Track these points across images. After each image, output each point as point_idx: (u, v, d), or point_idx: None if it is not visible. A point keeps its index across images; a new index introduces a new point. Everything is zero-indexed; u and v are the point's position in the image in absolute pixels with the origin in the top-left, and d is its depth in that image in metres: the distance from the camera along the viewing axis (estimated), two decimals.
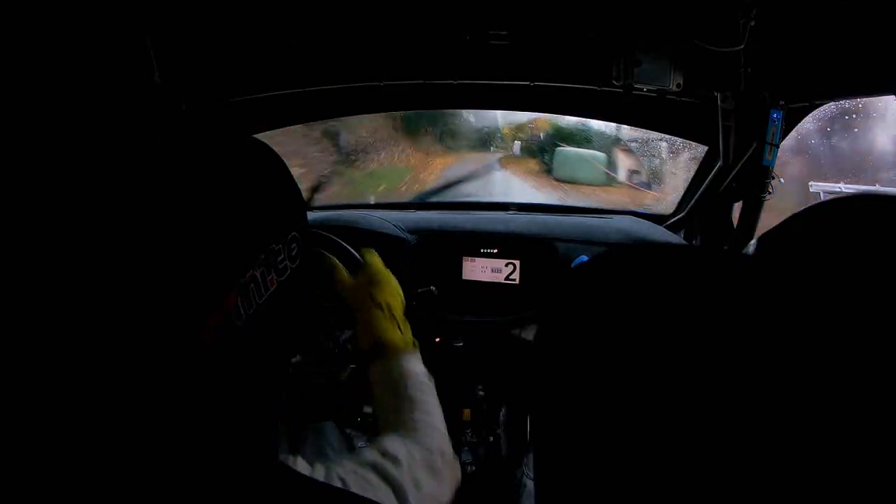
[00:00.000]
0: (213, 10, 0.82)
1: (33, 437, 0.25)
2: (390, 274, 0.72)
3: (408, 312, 0.71)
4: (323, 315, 1.03)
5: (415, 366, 0.64)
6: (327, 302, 1.04)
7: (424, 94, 1.21)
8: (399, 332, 0.66)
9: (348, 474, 0.43)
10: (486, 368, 1.22)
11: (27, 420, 0.24)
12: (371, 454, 0.48)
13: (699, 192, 1.26)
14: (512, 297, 1.16)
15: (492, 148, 3.35)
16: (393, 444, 0.50)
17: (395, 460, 0.47)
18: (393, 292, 0.70)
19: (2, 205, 0.24)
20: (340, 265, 0.72)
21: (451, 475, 0.54)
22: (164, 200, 0.27)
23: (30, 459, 0.25)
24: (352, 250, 0.84)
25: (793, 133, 1.07)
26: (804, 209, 0.28)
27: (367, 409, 1.11)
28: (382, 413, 0.61)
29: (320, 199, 1.58)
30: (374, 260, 0.72)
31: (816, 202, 0.29)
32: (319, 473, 0.42)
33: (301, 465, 0.43)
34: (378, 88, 1.11)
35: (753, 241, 0.30)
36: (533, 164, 3.27)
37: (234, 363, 0.31)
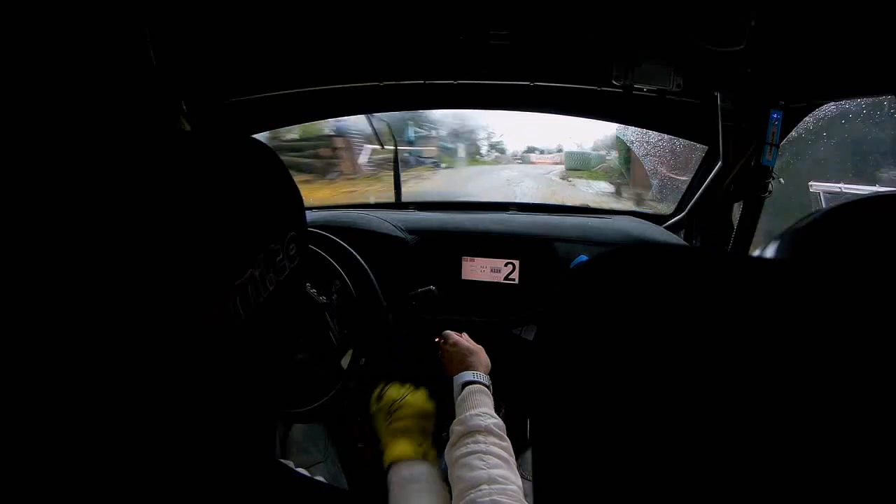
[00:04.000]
0: (214, 9, 0.82)
1: (30, 435, 0.25)
2: (413, 397, 0.82)
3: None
4: (323, 314, 1.03)
5: (416, 471, 0.69)
6: (327, 302, 1.04)
7: (424, 94, 1.20)
8: (413, 447, 0.72)
9: None
10: None
11: (24, 419, 0.24)
12: None
13: (699, 193, 1.26)
14: (511, 297, 1.16)
15: None
16: None
17: None
18: (411, 417, 0.78)
19: (4, 203, 0.24)
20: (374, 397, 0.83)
21: None
22: (163, 200, 0.27)
23: (27, 456, 0.25)
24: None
25: None
26: (823, 211, 0.27)
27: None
28: None
29: (320, 198, 1.58)
30: (390, 393, 0.83)
31: (837, 204, 0.28)
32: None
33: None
34: (378, 88, 1.11)
35: (774, 243, 0.29)
36: None
37: (232, 363, 0.31)
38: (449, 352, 0.87)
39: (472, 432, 0.66)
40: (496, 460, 0.62)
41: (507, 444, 0.67)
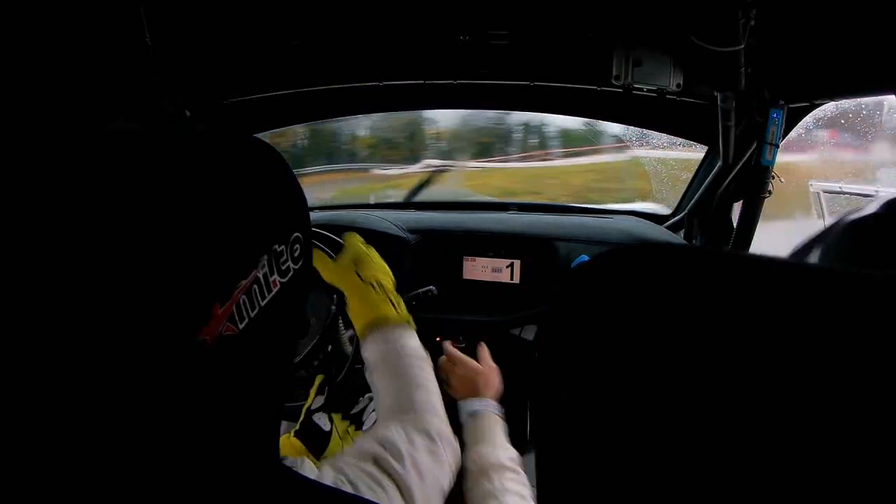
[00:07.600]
0: (215, 11, 0.82)
1: (32, 438, 0.25)
2: (375, 253, 0.72)
3: (409, 310, 0.71)
4: (324, 314, 1.02)
5: (411, 340, 0.63)
6: (329, 300, 1.03)
7: (424, 94, 1.21)
8: (393, 309, 0.65)
9: (356, 474, 0.43)
10: None
11: (25, 420, 0.24)
12: (371, 444, 0.48)
13: (699, 193, 1.26)
14: (512, 296, 1.16)
15: None
16: (393, 433, 0.50)
17: (396, 454, 0.47)
18: (381, 269, 0.69)
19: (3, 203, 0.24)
20: (323, 250, 0.71)
21: (452, 458, 0.54)
22: (165, 200, 0.27)
23: (28, 461, 0.25)
24: (333, 235, 0.79)
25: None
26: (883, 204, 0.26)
27: (366, 398, 1.10)
28: (382, 395, 0.60)
29: (320, 198, 1.59)
30: (355, 240, 0.72)
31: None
32: (328, 476, 0.42)
33: (307, 468, 0.44)
34: (378, 88, 1.11)
35: (824, 239, 0.28)
36: None
37: (236, 365, 0.31)
38: (450, 371, 0.80)
39: (485, 470, 0.63)
40: (514, 497, 0.60)
41: (522, 476, 0.64)
